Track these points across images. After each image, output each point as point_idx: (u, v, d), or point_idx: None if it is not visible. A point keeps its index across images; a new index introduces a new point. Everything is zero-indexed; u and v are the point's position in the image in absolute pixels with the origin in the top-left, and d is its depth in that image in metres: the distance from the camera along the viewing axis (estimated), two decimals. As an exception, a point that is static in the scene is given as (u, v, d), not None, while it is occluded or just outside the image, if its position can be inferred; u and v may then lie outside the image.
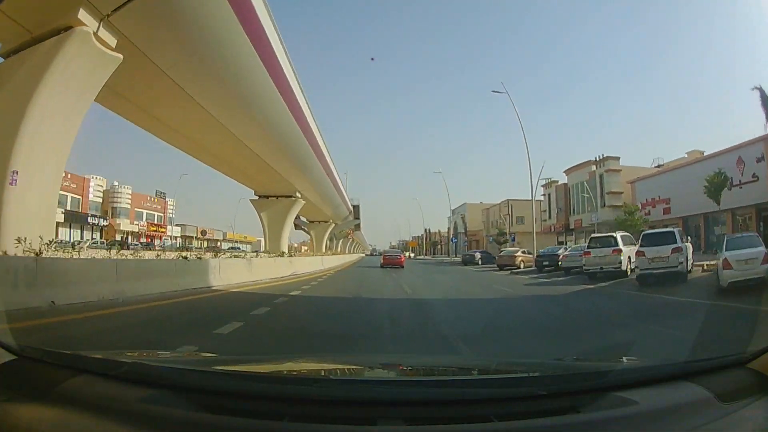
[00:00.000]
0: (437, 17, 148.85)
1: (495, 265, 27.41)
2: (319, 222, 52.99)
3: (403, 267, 27.49)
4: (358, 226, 76.09)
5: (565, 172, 45.37)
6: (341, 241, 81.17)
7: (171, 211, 63.27)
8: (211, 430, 1.12)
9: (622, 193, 36.62)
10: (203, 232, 69.96)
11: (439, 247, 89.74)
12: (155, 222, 59.62)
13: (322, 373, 1.86)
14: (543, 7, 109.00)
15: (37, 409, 1.21)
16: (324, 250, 50.51)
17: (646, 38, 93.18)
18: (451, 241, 58.52)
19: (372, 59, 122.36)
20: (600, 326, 6.96)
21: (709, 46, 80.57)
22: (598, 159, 39.41)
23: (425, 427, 1.14)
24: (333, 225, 54.98)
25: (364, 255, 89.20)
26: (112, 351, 2.17)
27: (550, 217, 47.68)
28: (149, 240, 56.25)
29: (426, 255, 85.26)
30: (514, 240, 42.05)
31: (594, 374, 1.52)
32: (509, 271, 23.38)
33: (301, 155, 24.39)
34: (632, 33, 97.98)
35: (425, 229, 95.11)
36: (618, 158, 37.84)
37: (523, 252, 26.79)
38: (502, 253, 28.43)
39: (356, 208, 62.17)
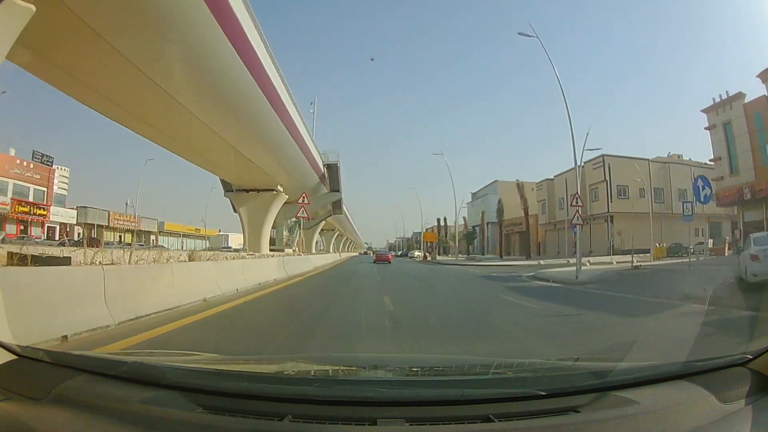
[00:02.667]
0: (440, 10, 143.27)
1: None
2: (258, 191, 28.42)
3: (390, 262, 31.73)
4: (337, 206, 44.55)
5: (761, 75, 22.02)
6: (319, 234, 56.14)
7: (62, 186, 42.29)
8: (211, 430, 1.11)
9: None
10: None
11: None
12: (31, 200, 38.23)
13: (323, 373, 1.83)
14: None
15: (37, 409, 1.20)
16: (266, 246, 28.20)
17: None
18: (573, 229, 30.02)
19: (371, 60, 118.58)
20: None
21: None
22: None
23: (425, 426, 1.13)
24: (286, 199, 29.87)
25: (357, 254, 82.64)
26: (112, 351, 2.46)
27: (733, 171, 23.15)
28: (19, 225, 36.01)
29: (458, 254, 49.39)
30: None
31: (594, 374, 1.48)
32: None
33: None
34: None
35: (438, 219, 66.20)
36: None
37: None
38: None
39: (332, 170, 35.87)
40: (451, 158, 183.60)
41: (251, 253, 23.65)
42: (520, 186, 42.00)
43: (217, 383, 1.34)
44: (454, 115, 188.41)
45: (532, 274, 17.57)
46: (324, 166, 34.82)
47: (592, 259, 23.69)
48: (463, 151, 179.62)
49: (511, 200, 43.67)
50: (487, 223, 54.31)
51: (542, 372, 1.73)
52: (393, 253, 69.06)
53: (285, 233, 36.13)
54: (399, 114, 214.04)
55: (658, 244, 21.93)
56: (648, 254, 25.10)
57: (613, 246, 30.43)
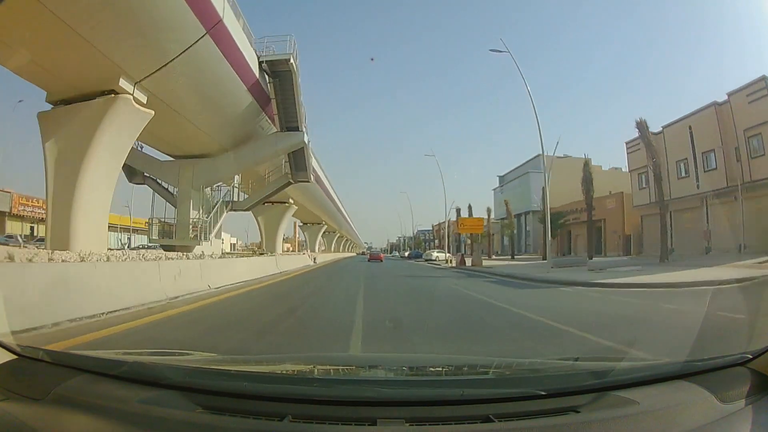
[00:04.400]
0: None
1: None
2: (82, 101, 12.16)
3: (382, 261, 34.18)
4: (300, 164, 22.43)
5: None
6: (301, 230, 47.03)
7: None
8: (211, 430, 1.12)
9: None
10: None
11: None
12: None
13: (323, 373, 1.83)
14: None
15: (37, 409, 1.21)
16: (99, 237, 13.08)
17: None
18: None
19: (371, 59, 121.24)
20: None
21: None
22: None
23: (425, 426, 1.13)
24: (150, 116, 13.70)
25: (355, 254, 77.63)
26: (112, 351, 2.36)
27: None
28: None
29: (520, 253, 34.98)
30: None
31: (594, 374, 1.49)
32: None
33: None
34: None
35: (458, 210, 42.56)
36: None
37: None
38: None
39: (282, 80, 17.83)
40: (454, 156, 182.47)
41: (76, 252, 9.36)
42: (642, 125, 20.63)
43: (217, 383, 1.35)
44: (456, 113, 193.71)
45: None
46: (261, 66, 17.10)
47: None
48: (465, 150, 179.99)
49: (562, 183, 28.53)
50: (524, 213, 38.34)
51: (542, 372, 1.73)
52: (397, 255, 71.62)
53: (194, 214, 19.84)
54: (399, 113, 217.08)
55: None
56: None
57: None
